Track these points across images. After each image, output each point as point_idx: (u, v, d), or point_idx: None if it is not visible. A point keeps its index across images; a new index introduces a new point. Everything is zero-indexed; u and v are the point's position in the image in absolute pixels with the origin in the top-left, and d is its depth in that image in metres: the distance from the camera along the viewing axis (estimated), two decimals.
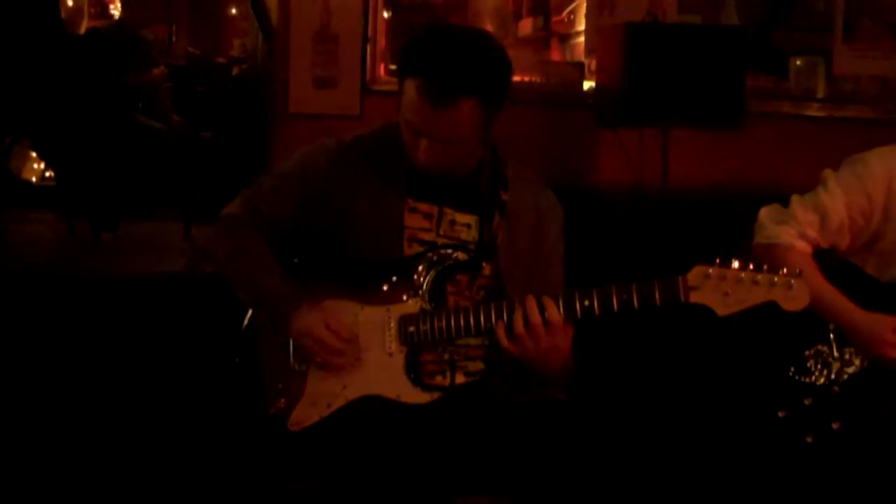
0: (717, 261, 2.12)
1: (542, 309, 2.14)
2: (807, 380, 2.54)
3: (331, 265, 2.37)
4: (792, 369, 2.55)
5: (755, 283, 2.09)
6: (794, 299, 2.09)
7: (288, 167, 2.43)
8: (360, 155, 2.38)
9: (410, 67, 2.16)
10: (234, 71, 8.04)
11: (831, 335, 2.55)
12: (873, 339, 2.48)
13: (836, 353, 2.54)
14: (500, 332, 2.16)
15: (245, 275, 2.36)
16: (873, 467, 2.48)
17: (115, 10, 9.41)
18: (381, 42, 4.99)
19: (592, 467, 2.18)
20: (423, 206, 2.35)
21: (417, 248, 2.33)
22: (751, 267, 2.11)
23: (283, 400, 2.31)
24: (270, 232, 2.38)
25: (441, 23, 2.27)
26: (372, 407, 2.26)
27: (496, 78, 2.19)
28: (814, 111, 5.15)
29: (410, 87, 2.15)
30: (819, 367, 2.54)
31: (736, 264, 2.11)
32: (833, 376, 2.53)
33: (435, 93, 2.11)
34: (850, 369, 2.54)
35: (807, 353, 2.56)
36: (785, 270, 2.10)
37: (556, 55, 5.84)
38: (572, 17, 5.58)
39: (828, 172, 2.66)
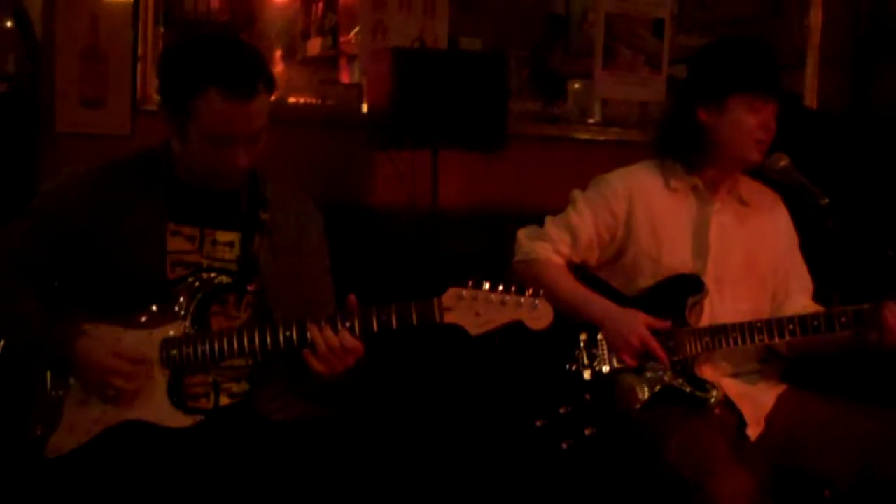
0: (471, 283, 2.22)
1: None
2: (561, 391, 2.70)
3: (94, 291, 2.34)
4: (546, 381, 2.70)
5: (503, 303, 2.20)
6: (539, 318, 2.21)
7: (38, 206, 2.40)
8: (116, 180, 2.37)
9: (201, 83, 2.19)
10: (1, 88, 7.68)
11: (581, 346, 2.71)
12: (632, 326, 2.63)
13: (585, 361, 2.71)
14: (310, 359, 2.23)
15: (9, 325, 2.32)
16: (622, 470, 2.65)
17: None
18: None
19: (360, 482, 2.23)
20: (186, 229, 2.36)
21: (182, 272, 2.34)
22: (500, 288, 2.21)
23: (39, 427, 2.26)
24: (29, 274, 2.34)
25: (186, 40, 2.33)
26: (133, 432, 2.25)
27: (266, 63, 2.34)
28: (580, 133, 5.36)
29: (211, 100, 2.19)
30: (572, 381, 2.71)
31: (486, 286, 2.21)
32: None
33: (239, 90, 2.19)
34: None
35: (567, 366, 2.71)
36: (530, 291, 2.22)
37: (344, 76, 5.84)
38: (359, 37, 5.60)
39: (576, 193, 2.84)
